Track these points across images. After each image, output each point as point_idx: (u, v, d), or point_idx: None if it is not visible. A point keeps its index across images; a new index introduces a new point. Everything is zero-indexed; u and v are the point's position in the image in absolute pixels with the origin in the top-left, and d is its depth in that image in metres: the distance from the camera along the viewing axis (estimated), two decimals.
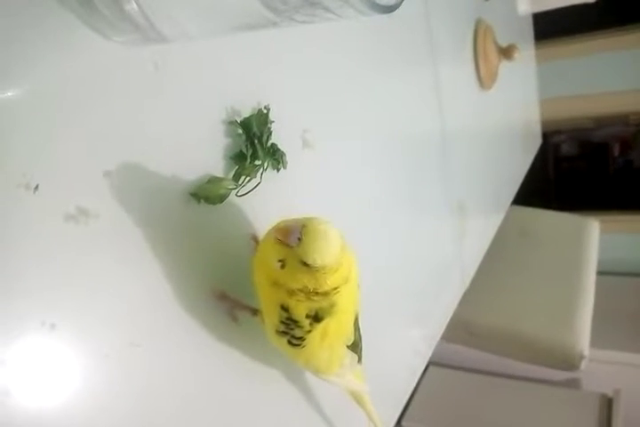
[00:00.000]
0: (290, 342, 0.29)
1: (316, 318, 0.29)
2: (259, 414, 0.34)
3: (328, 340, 0.30)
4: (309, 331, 0.29)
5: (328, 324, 0.29)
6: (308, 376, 0.38)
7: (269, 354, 0.34)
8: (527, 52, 1.24)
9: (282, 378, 0.36)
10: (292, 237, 0.26)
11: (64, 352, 0.23)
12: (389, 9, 0.20)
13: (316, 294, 0.27)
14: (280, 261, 0.27)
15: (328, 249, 0.26)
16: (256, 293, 0.30)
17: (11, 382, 0.21)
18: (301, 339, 0.29)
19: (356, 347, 0.33)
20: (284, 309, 0.28)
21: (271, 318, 0.29)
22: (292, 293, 0.27)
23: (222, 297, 0.31)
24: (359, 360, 0.34)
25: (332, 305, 0.29)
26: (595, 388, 1.58)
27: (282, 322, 0.29)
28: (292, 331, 0.29)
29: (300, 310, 0.28)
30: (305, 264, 0.26)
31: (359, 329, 0.33)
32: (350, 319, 0.32)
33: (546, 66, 1.61)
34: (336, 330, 0.30)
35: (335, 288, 0.27)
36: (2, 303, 0.21)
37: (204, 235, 0.31)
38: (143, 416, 0.26)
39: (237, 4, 0.22)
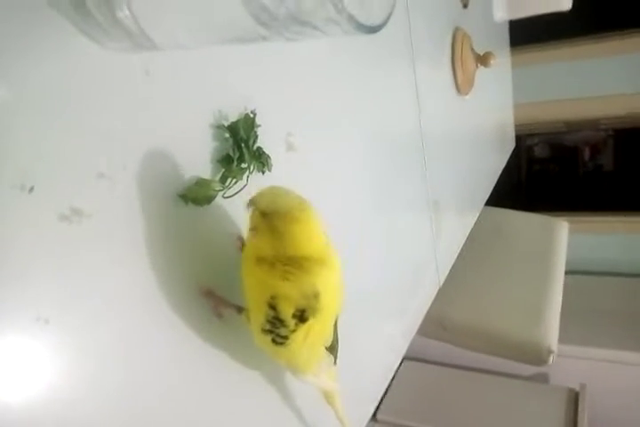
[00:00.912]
0: (274, 341, 0.31)
1: (302, 318, 0.30)
2: (236, 410, 0.35)
3: (310, 340, 0.31)
4: (294, 330, 0.30)
5: (312, 325, 0.31)
6: (287, 377, 0.39)
7: (252, 352, 0.35)
8: (503, 58, 1.27)
9: (262, 376, 0.37)
10: (252, 198, 0.29)
11: (57, 346, 0.24)
12: (374, 29, 0.21)
13: (290, 260, 0.29)
14: (252, 229, 0.29)
15: (277, 194, 0.29)
16: (243, 290, 0.31)
17: (3, 375, 0.22)
18: (285, 338, 0.30)
19: (332, 349, 0.35)
20: (272, 307, 0.29)
21: (257, 316, 0.30)
22: (271, 265, 0.29)
23: (209, 294, 0.32)
24: (334, 362, 0.36)
25: (316, 296, 0.29)
26: (562, 382, 1.63)
27: (268, 321, 0.30)
28: (277, 330, 0.30)
29: (287, 308, 0.29)
30: (264, 216, 0.28)
31: (337, 332, 0.35)
32: (332, 322, 0.33)
33: (520, 71, 1.66)
34: (318, 331, 0.32)
35: (307, 258, 0.29)
36: None
37: (192, 235, 0.32)
38: (125, 408, 0.27)
39: (228, 18, 0.23)
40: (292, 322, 0.30)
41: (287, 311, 0.29)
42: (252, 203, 0.29)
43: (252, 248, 0.30)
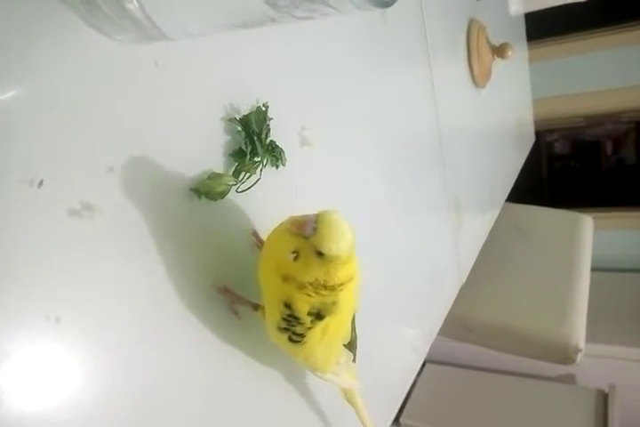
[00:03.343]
0: (290, 339, 0.30)
1: (318, 315, 0.29)
2: (254, 408, 0.34)
3: (327, 338, 0.30)
4: (310, 328, 0.29)
5: (329, 322, 0.30)
6: (306, 374, 0.39)
7: (268, 349, 0.34)
8: (520, 52, 1.25)
9: (280, 374, 0.37)
10: (308, 228, 0.26)
11: (70, 345, 0.23)
12: (386, 3, 0.20)
13: (325, 287, 0.27)
14: (294, 252, 0.27)
15: (343, 238, 0.26)
16: (260, 288, 0.30)
17: (16, 374, 0.21)
18: (302, 336, 0.30)
19: (351, 346, 0.34)
20: (287, 306, 0.28)
21: (273, 315, 0.30)
22: (302, 286, 0.28)
23: (224, 291, 0.31)
24: (354, 359, 0.35)
25: (335, 303, 0.29)
26: (589, 383, 1.59)
27: (283, 319, 0.29)
28: (293, 327, 0.29)
29: (303, 307, 0.28)
30: (319, 254, 0.26)
31: (355, 329, 0.34)
32: (349, 318, 0.32)
33: (538, 65, 1.63)
34: (336, 328, 0.31)
35: (342, 284, 0.28)
36: (6, 297, 0.21)
37: (206, 230, 0.31)
38: (144, 408, 0.27)
39: (237, 1, 0.23)
40: (307, 319, 0.29)
41: (303, 309, 0.28)
42: (315, 243, 0.26)
43: (282, 264, 0.28)
